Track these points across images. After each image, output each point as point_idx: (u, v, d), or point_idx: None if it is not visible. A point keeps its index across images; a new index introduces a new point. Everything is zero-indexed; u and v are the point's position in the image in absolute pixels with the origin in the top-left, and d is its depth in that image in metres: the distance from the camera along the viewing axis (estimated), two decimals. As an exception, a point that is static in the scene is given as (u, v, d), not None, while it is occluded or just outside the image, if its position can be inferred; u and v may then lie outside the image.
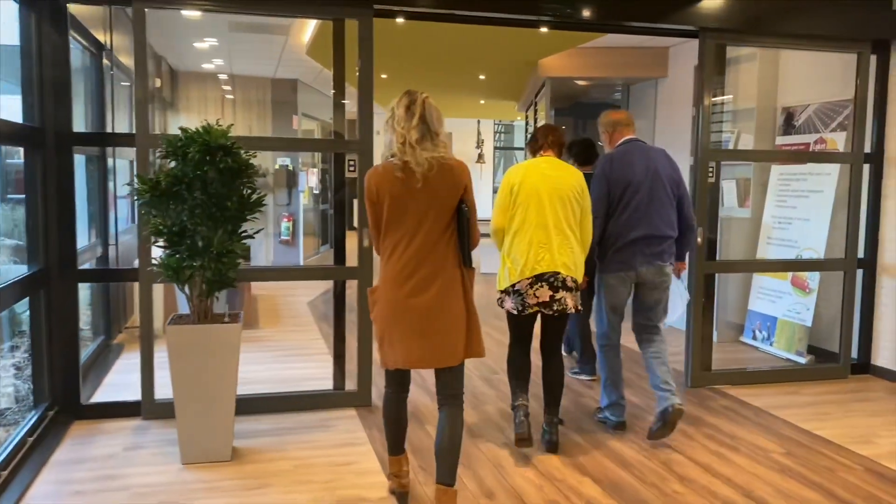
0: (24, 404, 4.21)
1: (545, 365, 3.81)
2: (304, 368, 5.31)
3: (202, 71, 9.93)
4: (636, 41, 7.50)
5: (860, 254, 5.24)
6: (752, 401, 4.64)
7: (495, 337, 5.51)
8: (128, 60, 5.80)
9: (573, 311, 3.63)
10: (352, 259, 4.38)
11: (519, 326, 3.77)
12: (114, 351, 5.62)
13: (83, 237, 5.63)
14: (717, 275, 5.37)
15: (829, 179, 5.57)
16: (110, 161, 6.07)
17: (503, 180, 3.75)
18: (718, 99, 4.98)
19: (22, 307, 4.22)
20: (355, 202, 4.12)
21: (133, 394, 4.16)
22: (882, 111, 5.17)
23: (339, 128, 4.38)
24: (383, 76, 9.79)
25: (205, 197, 3.41)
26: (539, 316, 3.70)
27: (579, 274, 3.66)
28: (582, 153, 5.10)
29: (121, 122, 6.15)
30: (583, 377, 5.10)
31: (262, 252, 10.56)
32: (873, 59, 5.09)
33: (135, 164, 4.05)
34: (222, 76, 10.12)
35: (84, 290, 5.79)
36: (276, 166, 10.59)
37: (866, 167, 5.18)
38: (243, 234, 3.57)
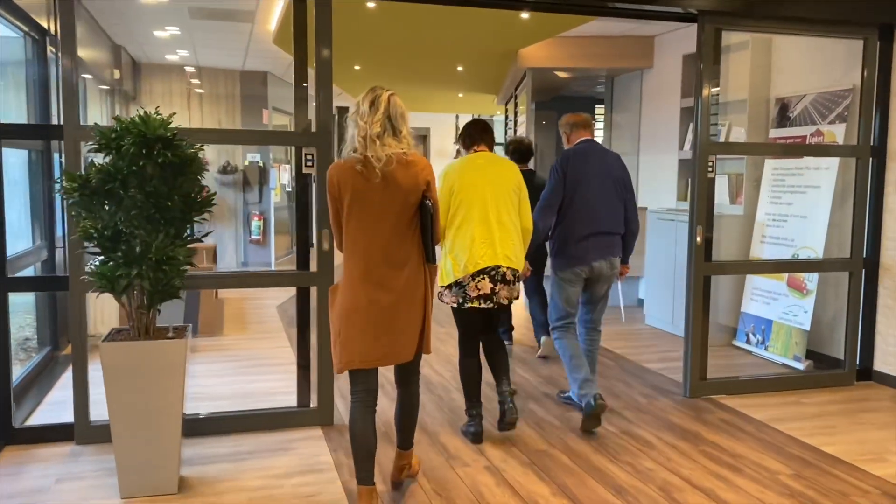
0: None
1: (484, 342, 3.88)
2: (268, 381, 4.88)
3: (166, 63, 9.43)
4: (620, 30, 7.15)
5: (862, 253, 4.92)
6: (752, 413, 4.31)
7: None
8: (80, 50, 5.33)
9: (506, 302, 3.73)
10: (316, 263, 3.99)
11: (464, 319, 3.81)
12: (61, 363, 5.15)
13: (25, 240, 5.17)
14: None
15: (828, 174, 5.24)
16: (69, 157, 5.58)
17: (442, 180, 3.73)
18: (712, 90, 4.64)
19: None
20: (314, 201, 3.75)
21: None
22: (885, 102, 4.84)
23: (303, 120, 3.98)
24: (356, 67, 9.37)
25: (142, 196, 2.99)
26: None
27: (520, 264, 3.77)
28: (517, 151, 5.39)
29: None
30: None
31: (232, 252, 10.13)
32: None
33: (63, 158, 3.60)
34: (188, 68, 9.63)
35: (28, 297, 5.33)
36: (246, 163, 10.15)
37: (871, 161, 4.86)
38: (188, 238, 3.15)
